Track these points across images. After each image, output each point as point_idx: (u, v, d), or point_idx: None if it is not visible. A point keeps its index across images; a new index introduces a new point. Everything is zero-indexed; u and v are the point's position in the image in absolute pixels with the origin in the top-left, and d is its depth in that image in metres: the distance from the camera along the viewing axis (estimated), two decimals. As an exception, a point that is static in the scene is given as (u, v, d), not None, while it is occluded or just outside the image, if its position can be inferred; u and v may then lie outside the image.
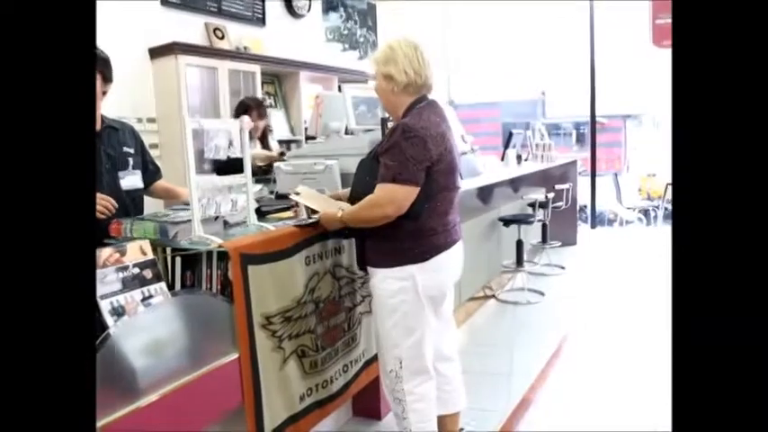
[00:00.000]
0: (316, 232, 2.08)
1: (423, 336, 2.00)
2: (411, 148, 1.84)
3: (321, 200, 2.14)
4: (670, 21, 6.59)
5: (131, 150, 2.39)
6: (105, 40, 2.18)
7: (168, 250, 1.92)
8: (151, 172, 2.51)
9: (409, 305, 1.96)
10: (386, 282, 1.97)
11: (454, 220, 2.06)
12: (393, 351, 2.02)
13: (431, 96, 2.04)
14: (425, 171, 1.88)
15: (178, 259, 1.90)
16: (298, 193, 2.11)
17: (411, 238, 1.94)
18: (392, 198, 1.85)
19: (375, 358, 2.32)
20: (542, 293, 4.52)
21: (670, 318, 1.05)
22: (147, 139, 4.15)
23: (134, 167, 2.39)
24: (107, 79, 2.17)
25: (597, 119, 7.51)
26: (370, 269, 2.04)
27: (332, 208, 2.04)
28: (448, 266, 2.03)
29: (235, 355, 1.75)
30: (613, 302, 4.38)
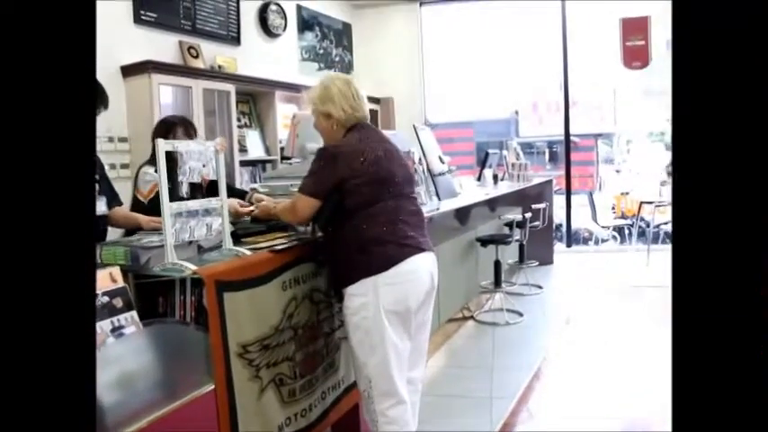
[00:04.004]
0: (293, 257, 2.03)
1: (386, 355, 1.97)
2: (319, 163, 2.03)
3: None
4: (639, 43, 6.81)
5: (96, 177, 2.36)
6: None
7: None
8: (109, 198, 2.45)
9: (370, 321, 1.96)
10: (349, 299, 2.00)
11: (410, 231, 2.03)
12: (363, 370, 2.03)
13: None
14: (337, 186, 1.98)
15: (150, 286, 1.82)
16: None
17: (360, 251, 1.97)
18: (295, 205, 2.06)
19: (355, 384, 2.26)
20: (521, 314, 4.50)
21: (650, 333, 1.06)
22: (119, 159, 4.11)
23: (99, 194, 2.36)
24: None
25: (570, 138, 7.59)
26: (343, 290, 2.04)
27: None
28: (408, 279, 1.99)
29: (210, 387, 1.67)
30: (592, 321, 4.38)
